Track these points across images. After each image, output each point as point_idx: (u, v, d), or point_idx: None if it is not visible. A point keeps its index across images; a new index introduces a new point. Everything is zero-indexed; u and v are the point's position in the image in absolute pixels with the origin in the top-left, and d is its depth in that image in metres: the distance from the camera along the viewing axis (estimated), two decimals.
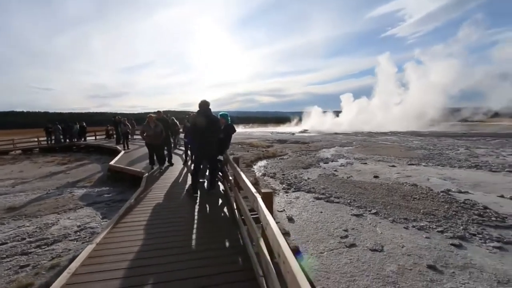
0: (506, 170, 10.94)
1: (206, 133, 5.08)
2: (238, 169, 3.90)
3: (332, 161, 13.92)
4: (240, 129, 65.95)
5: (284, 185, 8.96)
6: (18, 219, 6.12)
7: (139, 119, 25.53)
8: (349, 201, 7.22)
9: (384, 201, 7.18)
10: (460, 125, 48.28)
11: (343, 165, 12.62)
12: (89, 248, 3.28)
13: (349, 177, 10.13)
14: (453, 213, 6.27)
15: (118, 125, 15.88)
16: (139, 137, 20.11)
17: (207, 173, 6.07)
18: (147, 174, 7.27)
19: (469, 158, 14.23)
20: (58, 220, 5.96)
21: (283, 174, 10.63)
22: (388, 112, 49.24)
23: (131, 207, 4.68)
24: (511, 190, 8.15)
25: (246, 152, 16.47)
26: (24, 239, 5.15)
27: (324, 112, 59.94)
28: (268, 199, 2.59)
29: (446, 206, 6.67)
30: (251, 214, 3.37)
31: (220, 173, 6.42)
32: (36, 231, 5.47)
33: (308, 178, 10.00)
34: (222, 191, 5.60)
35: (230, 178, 4.98)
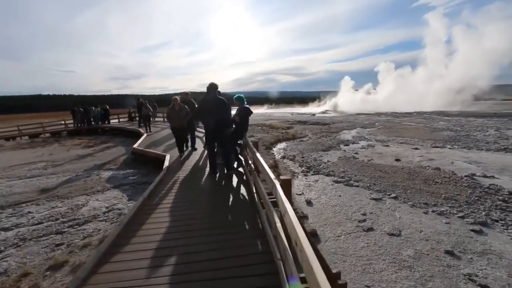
0: None
1: (213, 115, 5.15)
2: (257, 154, 3.95)
3: (352, 143, 13.71)
4: (261, 110, 65.71)
5: (303, 168, 9.01)
6: (51, 200, 6.63)
7: (159, 101, 26.00)
8: (368, 184, 7.19)
9: (404, 185, 7.08)
10: (498, 104, 45.07)
11: (364, 148, 12.41)
12: (117, 228, 3.54)
13: (370, 160, 9.98)
14: (476, 198, 6.11)
15: (140, 108, 16.37)
16: (161, 119, 20.68)
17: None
18: (169, 157, 7.53)
19: (498, 140, 13.50)
20: (88, 202, 6.41)
21: (303, 157, 10.65)
22: (428, 88, 46.85)
23: (155, 190, 4.93)
24: None
25: (265, 134, 16.53)
26: (58, 219, 5.59)
27: (356, 90, 58.01)
28: (287, 186, 2.65)
29: (469, 191, 6.48)
30: (270, 198, 3.47)
31: (240, 156, 6.55)
32: (68, 211, 5.93)
33: (328, 161, 9.97)
34: (242, 174, 5.73)
35: (250, 162, 5.07)
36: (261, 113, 49.54)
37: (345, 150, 11.90)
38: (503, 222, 5.09)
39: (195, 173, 5.96)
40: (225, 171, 5.68)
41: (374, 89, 55.30)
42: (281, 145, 13.58)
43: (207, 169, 6.19)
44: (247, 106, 5.80)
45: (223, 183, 5.26)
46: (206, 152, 8.10)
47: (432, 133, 16.44)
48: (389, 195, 6.48)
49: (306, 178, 8.01)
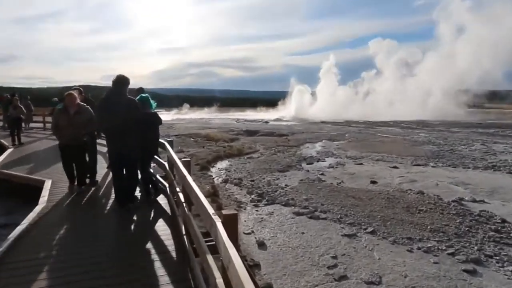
0: None
1: (121, 125, 4.97)
2: (189, 177, 3.80)
3: (317, 161, 14.28)
4: (195, 114, 65.22)
5: (253, 196, 9.00)
6: None
7: (38, 98, 23.84)
8: (339, 216, 7.46)
9: (383, 215, 7.52)
10: (481, 112, 52.03)
11: (332, 167, 13.02)
12: None
13: (340, 183, 10.47)
14: (466, 229, 6.77)
15: (7, 106, 14.68)
16: (40, 125, 19.04)
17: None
18: (50, 183, 6.87)
19: (485, 156, 15.46)
20: None
21: (252, 180, 10.69)
22: (404, 93, 51.92)
23: (23, 239, 4.39)
24: None
25: (201, 149, 16.30)
26: None
27: (312, 93, 61.60)
28: (232, 224, 2.55)
29: (458, 220, 7.18)
30: (207, 242, 3.32)
31: (162, 182, 6.32)
32: None
33: (286, 185, 10.15)
34: (166, 206, 5.49)
35: (177, 189, 4.87)
36: (194, 119, 49.16)
37: (308, 170, 12.32)
38: (497, 258, 5.69)
39: (93, 207, 5.56)
40: (135, 202, 5.54)
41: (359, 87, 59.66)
42: (223, 164, 13.48)
43: (112, 200, 5.79)
44: (155, 111, 5.83)
45: (135, 221, 4.99)
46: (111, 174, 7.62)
47: (412, 148, 18.15)
48: (365, 229, 6.80)
49: (257, 210, 7.98)
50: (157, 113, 5.98)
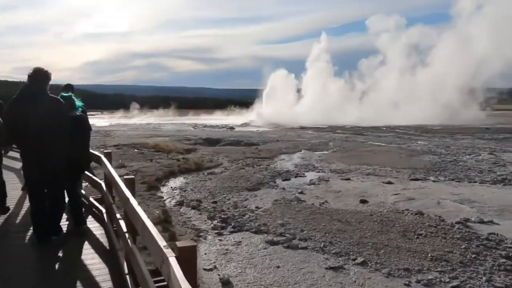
0: None
1: (43, 134, 4.86)
2: (132, 200, 3.74)
3: (295, 177, 14.42)
4: (138, 119, 64.21)
5: (215, 222, 8.94)
6: None
7: None
8: (322, 244, 7.54)
9: (375, 241, 7.69)
10: (490, 116, 54.67)
11: (314, 183, 13.19)
12: None
13: (323, 203, 10.61)
14: (473, 256, 7.05)
15: None
16: None
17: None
18: None
19: (493, 167, 16.21)
20: None
21: (214, 202, 10.63)
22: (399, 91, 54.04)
23: None
24: None
25: (148, 163, 16.06)
26: None
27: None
28: (189, 259, 2.52)
29: (463, 246, 7.46)
30: (157, 282, 3.28)
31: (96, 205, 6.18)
32: None
33: (257, 207, 10.16)
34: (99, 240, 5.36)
35: (118, 215, 4.77)
36: (140, 124, 48.38)
37: (284, 188, 12.40)
38: None
39: (3, 243, 5.35)
40: (61, 234, 5.32)
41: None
42: (177, 182, 13.35)
43: (30, 231, 5.57)
44: (82, 113, 5.76)
45: (61, 259, 4.83)
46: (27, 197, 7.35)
47: (409, 159, 18.73)
48: (353, 259, 6.91)
49: (221, 240, 7.93)
50: (85, 115, 5.91)
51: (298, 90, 63.69)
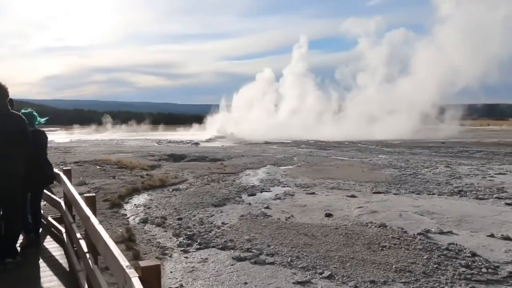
0: (494, 196, 13.36)
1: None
2: (93, 219, 3.61)
3: (261, 192, 14.43)
4: (100, 135, 62.92)
5: (181, 239, 8.79)
6: None
7: None
8: (289, 259, 7.51)
9: (341, 255, 7.73)
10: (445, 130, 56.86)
11: (279, 198, 13.23)
12: None
13: (289, 217, 10.63)
14: (435, 266, 7.20)
15: None
16: None
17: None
18: None
19: (450, 180, 16.81)
20: None
21: (180, 219, 10.49)
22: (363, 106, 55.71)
23: None
24: (501, 225, 9.90)
25: (110, 180, 15.69)
26: None
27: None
28: (153, 278, 2.44)
29: (425, 256, 7.61)
30: None
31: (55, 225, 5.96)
32: None
33: (223, 223, 10.07)
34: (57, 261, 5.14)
35: (78, 235, 4.59)
36: (102, 140, 47.37)
37: (250, 204, 12.36)
38: None
39: None
40: (17, 257, 4.99)
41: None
42: (140, 199, 13.07)
43: None
44: (39, 129, 5.84)
45: (16, 283, 4.58)
46: None
47: (371, 172, 19.12)
48: (320, 273, 6.91)
49: (186, 257, 7.77)
50: (42, 130, 5.96)
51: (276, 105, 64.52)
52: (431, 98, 57.12)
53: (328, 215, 10.81)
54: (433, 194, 13.86)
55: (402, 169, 20.25)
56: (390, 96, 58.63)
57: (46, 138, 5.96)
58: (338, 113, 61.78)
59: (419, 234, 8.99)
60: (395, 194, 13.93)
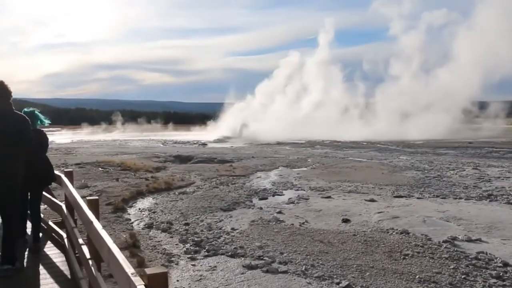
0: None
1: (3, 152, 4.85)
2: (96, 223, 3.62)
3: (273, 195, 14.39)
4: (103, 135, 63.40)
5: (188, 246, 8.78)
6: None
7: None
8: (304, 267, 7.46)
9: (360, 263, 7.67)
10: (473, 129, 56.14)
11: (293, 202, 13.18)
12: None
13: (303, 223, 10.57)
14: (463, 276, 7.09)
15: None
16: None
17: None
18: None
19: (478, 183, 16.58)
20: None
21: (187, 224, 10.48)
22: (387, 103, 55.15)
23: None
24: None
25: (113, 183, 15.80)
26: None
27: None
28: (160, 287, 2.44)
29: (452, 266, 7.50)
30: None
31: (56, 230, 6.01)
32: None
33: (233, 229, 10.05)
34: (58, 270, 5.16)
35: (80, 240, 4.62)
36: (105, 141, 47.69)
37: (261, 208, 12.32)
38: None
39: None
40: (17, 264, 5.03)
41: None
42: (145, 203, 13.12)
43: None
44: (40, 129, 6.00)
45: None
46: None
47: (392, 175, 18.97)
48: (337, 283, 6.84)
49: (194, 265, 7.76)
50: (43, 130, 6.15)
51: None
52: (472, 92, 56.12)
53: (346, 221, 10.74)
54: (460, 198, 13.69)
55: (426, 171, 20.07)
56: (426, 89, 57.78)
57: (47, 138, 6.09)
58: (366, 108, 61.02)
59: (444, 241, 8.88)
60: (418, 198, 13.79)
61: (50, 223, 6.61)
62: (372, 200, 13.33)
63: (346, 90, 64.47)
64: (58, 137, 56.43)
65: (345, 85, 66.16)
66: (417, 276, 7.07)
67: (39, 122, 6.06)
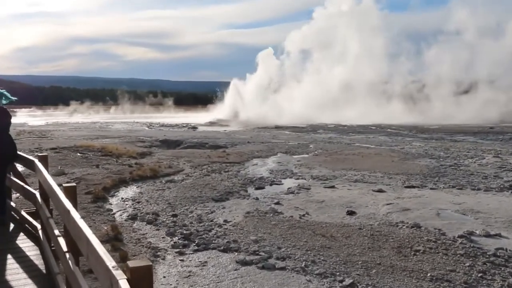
0: None
1: None
2: (74, 213, 3.64)
3: (271, 184, 14.43)
4: (82, 117, 63.15)
5: (176, 239, 8.82)
6: None
7: None
8: (303, 264, 7.50)
9: (365, 259, 7.70)
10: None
11: (292, 192, 13.20)
12: None
13: (304, 215, 10.59)
14: (479, 275, 7.13)
15: None
16: None
17: None
18: None
19: (499, 172, 16.61)
20: None
21: (175, 215, 10.50)
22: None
23: None
24: None
25: (93, 169, 15.81)
26: None
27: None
28: (144, 282, 2.46)
29: (467, 263, 7.54)
30: None
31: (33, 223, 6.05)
32: None
33: (225, 221, 10.07)
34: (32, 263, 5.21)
35: (56, 232, 4.65)
36: (83, 123, 47.54)
37: (257, 198, 12.36)
38: None
39: None
40: None
41: None
42: (128, 192, 13.15)
43: None
44: (2, 107, 6.32)
45: None
46: None
47: (403, 163, 18.99)
48: (340, 281, 6.87)
49: (182, 260, 7.79)
50: (5, 108, 6.44)
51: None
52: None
53: (351, 213, 10.76)
54: (479, 189, 13.71)
55: (441, 159, 20.12)
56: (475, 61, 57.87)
57: (10, 116, 6.37)
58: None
59: (460, 236, 8.90)
60: (431, 188, 13.82)
61: (23, 213, 6.62)
62: (380, 191, 13.36)
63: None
64: (31, 119, 56.24)
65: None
66: (428, 274, 7.11)
67: (3, 99, 6.29)
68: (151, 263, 2.43)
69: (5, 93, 6.26)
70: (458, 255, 7.92)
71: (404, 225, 9.74)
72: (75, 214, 3.49)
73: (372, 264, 7.55)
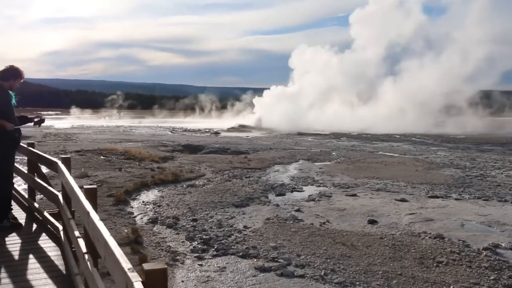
0: None
1: None
2: (93, 215, 3.66)
3: (292, 191, 14.38)
4: (105, 120, 63.94)
5: (195, 244, 8.85)
6: None
7: None
8: (322, 272, 7.45)
9: (386, 269, 7.62)
10: None
11: (313, 199, 13.14)
12: None
13: (324, 223, 10.53)
14: None
15: None
16: None
17: None
18: None
19: None
20: None
21: (194, 220, 10.55)
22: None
23: None
24: None
25: (116, 172, 15.96)
26: None
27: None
28: (159, 284, 2.46)
29: (492, 277, 7.40)
30: None
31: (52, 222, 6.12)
32: None
33: (245, 227, 10.08)
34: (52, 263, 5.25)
35: (76, 233, 4.69)
36: (108, 127, 48.13)
37: (278, 205, 12.33)
38: None
39: None
40: None
41: None
42: (150, 196, 13.25)
43: None
44: None
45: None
46: None
47: (427, 172, 18.74)
48: None
49: (201, 265, 7.82)
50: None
51: None
52: None
53: (372, 222, 10.68)
54: (506, 201, 13.44)
55: (467, 170, 19.79)
56: None
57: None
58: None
59: (485, 249, 8.74)
60: (456, 199, 13.60)
61: (46, 213, 6.69)
62: (403, 200, 13.20)
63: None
64: (57, 121, 57.07)
65: None
66: (451, 287, 7.00)
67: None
68: (166, 266, 2.43)
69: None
70: (483, 268, 7.78)
71: (426, 236, 9.60)
72: (94, 216, 3.51)
73: (393, 274, 7.46)
